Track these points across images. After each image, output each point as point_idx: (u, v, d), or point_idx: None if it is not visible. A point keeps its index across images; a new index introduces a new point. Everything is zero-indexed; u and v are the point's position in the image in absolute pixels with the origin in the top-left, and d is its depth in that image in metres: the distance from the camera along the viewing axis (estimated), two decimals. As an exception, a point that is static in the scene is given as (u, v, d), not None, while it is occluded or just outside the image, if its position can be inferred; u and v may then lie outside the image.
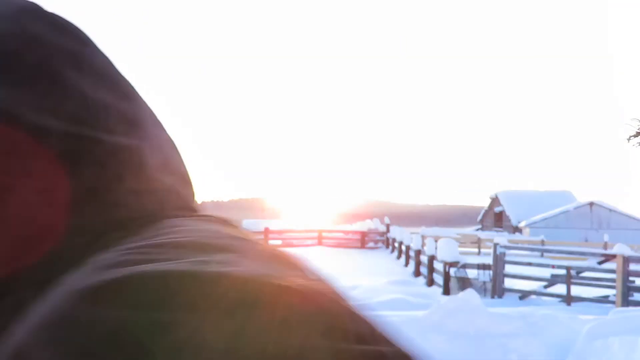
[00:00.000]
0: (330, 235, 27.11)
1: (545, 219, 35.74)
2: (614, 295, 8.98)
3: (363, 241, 25.40)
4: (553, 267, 10.60)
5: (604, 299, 9.51)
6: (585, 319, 5.38)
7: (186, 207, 0.37)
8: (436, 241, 12.86)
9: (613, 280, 9.07)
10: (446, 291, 10.91)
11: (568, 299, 9.47)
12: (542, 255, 22.84)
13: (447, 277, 11.18)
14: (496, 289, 10.14)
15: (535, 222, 35.75)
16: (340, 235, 27.51)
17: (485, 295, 10.11)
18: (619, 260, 8.63)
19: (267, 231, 25.89)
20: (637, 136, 4.52)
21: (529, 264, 10.62)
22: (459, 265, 11.15)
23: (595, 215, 35.42)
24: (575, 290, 9.77)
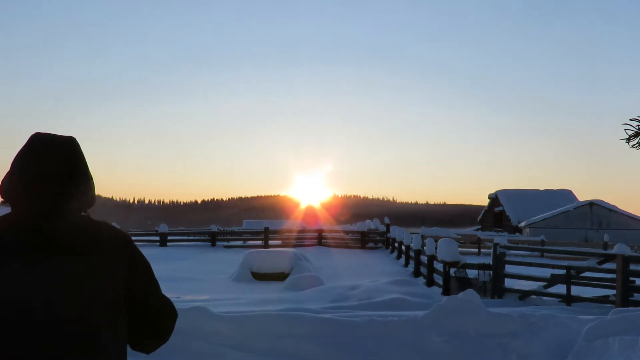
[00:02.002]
0: (330, 235, 27.10)
1: (545, 219, 35.70)
2: (614, 295, 8.97)
3: (363, 241, 25.39)
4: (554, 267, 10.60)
5: (604, 299, 9.50)
6: (585, 319, 5.37)
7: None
8: (436, 241, 12.85)
9: (613, 280, 9.06)
10: (446, 291, 10.90)
11: (568, 299, 9.46)
12: (542, 255, 22.87)
13: (447, 277, 11.17)
14: (496, 289, 10.13)
15: (535, 222, 35.72)
16: (340, 235, 27.51)
17: (485, 295, 10.10)
18: (619, 260, 8.62)
19: (267, 231, 25.89)
20: (637, 136, 4.50)
21: (529, 264, 10.61)
22: (459, 265, 11.14)
23: (595, 215, 35.39)
24: (575, 290, 9.76)
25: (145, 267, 1.42)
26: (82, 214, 1.38)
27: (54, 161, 1.31)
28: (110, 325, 1.29)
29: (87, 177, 1.37)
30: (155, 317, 1.43)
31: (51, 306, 1.21)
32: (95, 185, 1.42)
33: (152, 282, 1.43)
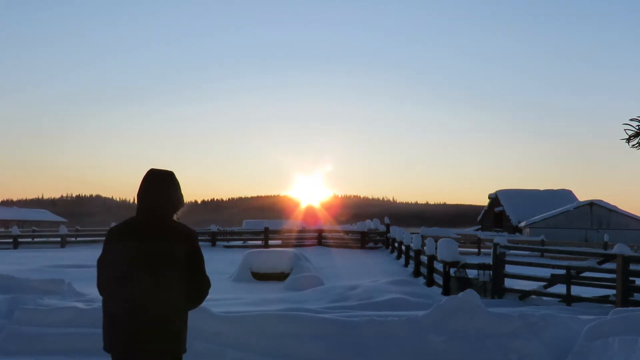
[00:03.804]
0: (330, 235, 27.10)
1: (545, 219, 35.71)
2: (614, 295, 8.97)
3: (363, 241, 25.39)
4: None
5: (604, 299, 9.50)
6: (585, 319, 5.37)
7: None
8: (436, 241, 12.84)
9: (613, 280, 9.06)
10: (446, 291, 10.90)
11: (568, 299, 9.46)
12: (542, 255, 22.88)
13: (447, 277, 11.17)
14: (496, 289, 10.13)
15: (535, 222, 35.73)
16: (340, 235, 27.51)
17: (485, 295, 10.10)
18: (619, 260, 8.61)
19: (267, 231, 25.89)
20: (637, 136, 4.50)
21: (529, 264, 10.61)
22: (459, 265, 11.13)
23: (595, 215, 35.40)
24: (575, 290, 9.76)
25: (197, 252, 2.47)
26: (175, 215, 2.52)
27: (159, 186, 2.47)
28: (178, 284, 2.38)
29: (177, 194, 2.52)
30: (199, 286, 2.47)
31: (148, 265, 2.33)
32: (183, 196, 2.56)
33: (200, 262, 2.48)
